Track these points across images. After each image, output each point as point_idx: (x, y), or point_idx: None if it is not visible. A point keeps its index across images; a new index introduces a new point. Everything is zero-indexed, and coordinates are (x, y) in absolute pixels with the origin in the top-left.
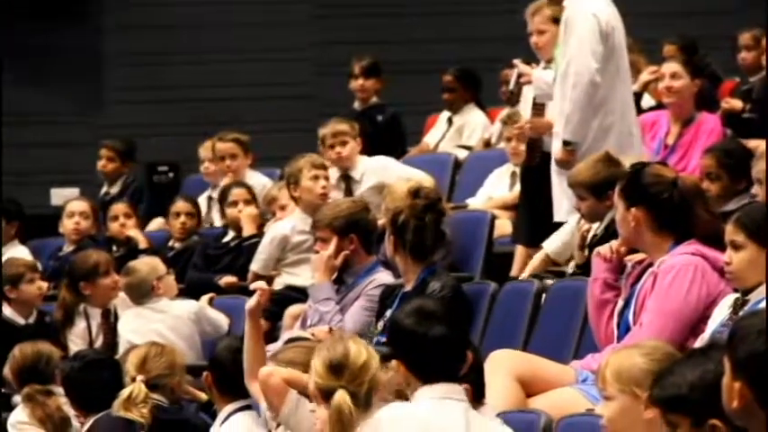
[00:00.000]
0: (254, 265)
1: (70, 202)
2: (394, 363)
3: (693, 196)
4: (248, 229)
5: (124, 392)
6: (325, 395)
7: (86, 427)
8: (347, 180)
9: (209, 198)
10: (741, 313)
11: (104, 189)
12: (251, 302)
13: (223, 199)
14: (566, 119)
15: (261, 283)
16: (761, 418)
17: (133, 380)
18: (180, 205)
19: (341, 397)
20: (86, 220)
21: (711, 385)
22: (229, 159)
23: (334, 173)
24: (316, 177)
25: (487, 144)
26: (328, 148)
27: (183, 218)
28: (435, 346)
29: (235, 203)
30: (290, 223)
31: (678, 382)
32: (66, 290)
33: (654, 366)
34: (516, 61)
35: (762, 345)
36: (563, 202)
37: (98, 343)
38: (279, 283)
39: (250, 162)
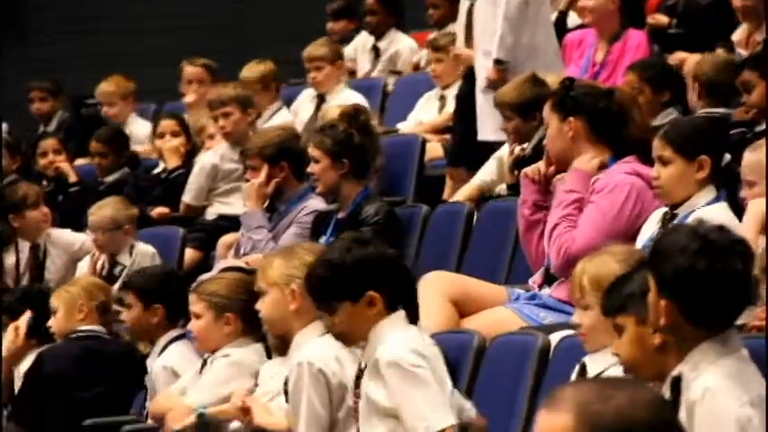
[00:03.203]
0: (186, 196)
1: None
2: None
3: (630, 105)
4: (171, 161)
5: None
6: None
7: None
8: (320, 99)
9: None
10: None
11: (41, 129)
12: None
13: (155, 129)
14: (499, 37)
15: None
16: (688, 332)
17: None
18: (93, 146)
19: None
20: None
21: None
22: (197, 84)
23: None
24: (215, 119)
25: (416, 68)
26: (308, 71)
27: (97, 159)
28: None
29: (162, 135)
30: (219, 152)
31: (623, 290)
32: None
33: (625, 270)
34: None
35: (686, 261)
36: (488, 122)
37: (24, 279)
38: (211, 213)
39: None
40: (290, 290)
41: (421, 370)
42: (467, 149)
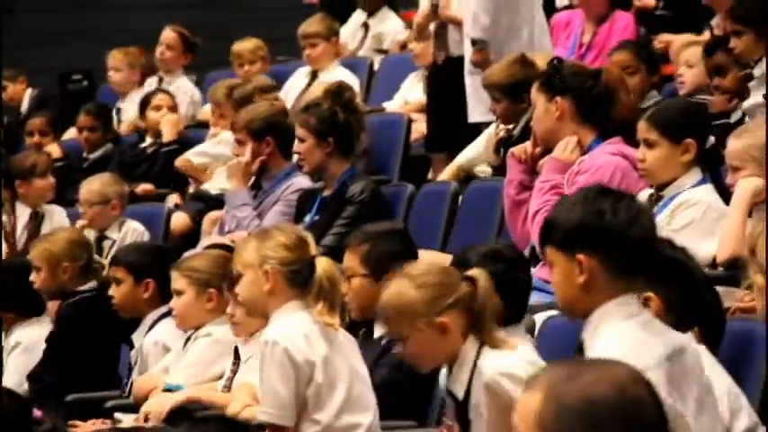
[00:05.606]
0: (190, 153)
1: None
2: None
3: (617, 86)
4: (168, 135)
5: None
6: (293, 273)
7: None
8: (313, 76)
9: (118, 110)
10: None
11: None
12: None
13: (146, 103)
14: (472, 18)
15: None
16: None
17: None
18: (82, 119)
19: (327, 261)
20: None
21: None
22: (165, 48)
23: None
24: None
25: (402, 47)
26: (303, 48)
27: (85, 133)
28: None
29: (158, 108)
30: None
31: None
32: (3, 188)
33: (427, 293)
34: None
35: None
36: (477, 104)
37: (21, 243)
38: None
39: (186, 62)
40: (263, 271)
41: None
42: (443, 134)
